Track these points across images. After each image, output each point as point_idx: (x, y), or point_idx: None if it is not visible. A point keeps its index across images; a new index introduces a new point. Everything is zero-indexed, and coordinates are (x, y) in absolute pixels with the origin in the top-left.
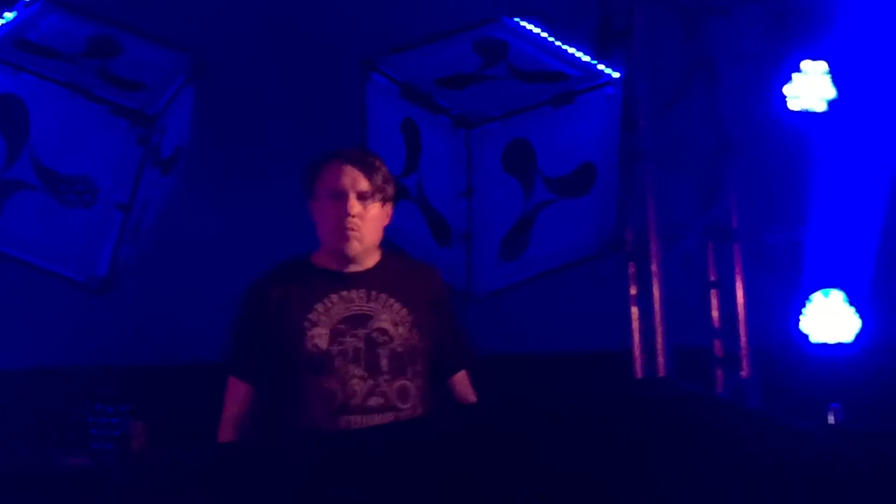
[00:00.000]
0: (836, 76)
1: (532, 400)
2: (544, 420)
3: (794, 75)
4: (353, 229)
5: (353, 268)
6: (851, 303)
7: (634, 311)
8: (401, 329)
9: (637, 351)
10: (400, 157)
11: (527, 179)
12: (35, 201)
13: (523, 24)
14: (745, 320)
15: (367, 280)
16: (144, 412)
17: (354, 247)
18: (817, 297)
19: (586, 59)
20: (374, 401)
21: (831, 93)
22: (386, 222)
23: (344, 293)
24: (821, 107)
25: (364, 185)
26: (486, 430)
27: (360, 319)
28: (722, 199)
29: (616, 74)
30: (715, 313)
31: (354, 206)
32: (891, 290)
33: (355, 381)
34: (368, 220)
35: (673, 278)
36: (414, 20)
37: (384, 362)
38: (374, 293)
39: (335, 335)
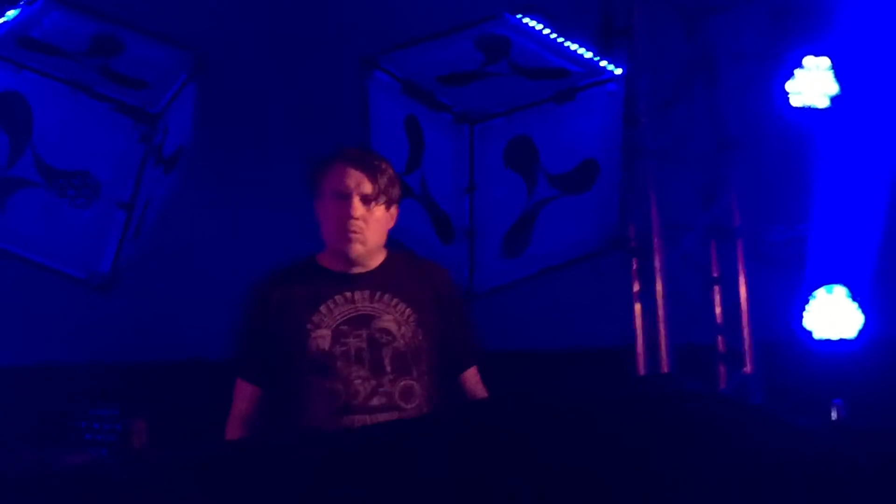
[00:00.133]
0: (839, 72)
1: (534, 397)
2: (546, 417)
3: (797, 71)
4: (355, 231)
5: (357, 269)
6: (854, 299)
7: (637, 307)
8: (404, 329)
9: (640, 348)
10: (402, 155)
11: (529, 176)
12: (37, 199)
13: (525, 20)
14: (747, 317)
15: (371, 281)
16: (145, 410)
17: (357, 249)
18: (820, 294)
19: (588, 55)
20: (377, 400)
21: (834, 89)
22: (391, 225)
23: (348, 294)
24: (823, 103)
25: (368, 187)
26: (487, 427)
27: (363, 320)
28: (724, 196)
29: (618, 71)
30: (718, 310)
31: (358, 208)
32: (894, 286)
33: (358, 381)
34: (372, 223)
35: (675, 275)
36: (416, 17)
37: (387, 362)
38: (378, 294)
39: (337, 336)
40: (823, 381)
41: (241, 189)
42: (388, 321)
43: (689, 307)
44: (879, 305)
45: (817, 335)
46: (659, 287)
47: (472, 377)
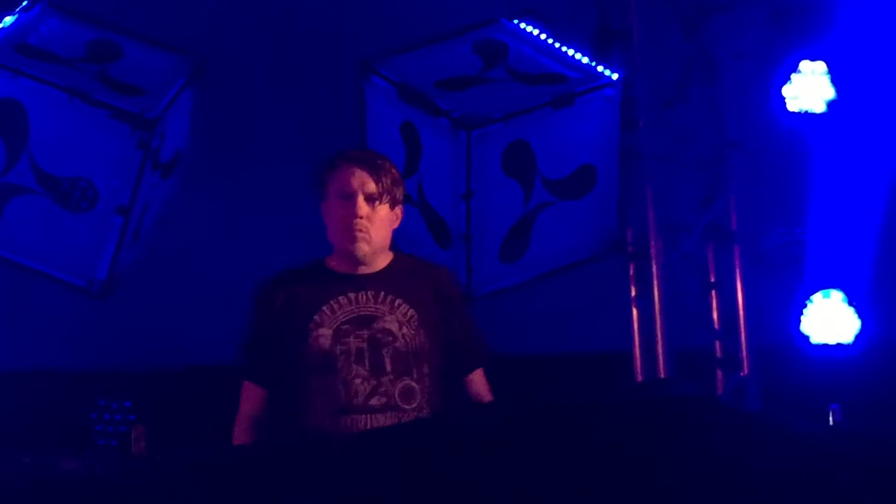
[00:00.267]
0: (836, 76)
1: (532, 401)
2: (544, 421)
3: (794, 76)
4: (360, 230)
5: (363, 269)
6: (851, 303)
7: (634, 312)
8: (406, 329)
9: (637, 352)
10: (400, 160)
11: (526, 181)
12: (35, 206)
13: (523, 25)
14: (745, 321)
15: (376, 282)
16: (145, 416)
17: (362, 248)
18: (817, 298)
19: (585, 60)
20: (376, 400)
21: (830, 93)
22: (395, 225)
23: (352, 295)
24: (820, 107)
25: (372, 186)
26: (485, 431)
27: (365, 320)
28: (721, 200)
29: (615, 76)
30: (715, 314)
31: (362, 207)
32: (891, 291)
33: (358, 380)
34: (377, 222)
35: (673, 279)
36: (413, 22)
37: (388, 362)
38: (382, 294)
39: (338, 335)
40: (820, 385)
41: (238, 194)
42: (389, 322)
43: (687, 311)
44: (876, 310)
45: (814, 340)
46: (656, 291)
47: (477, 379)
